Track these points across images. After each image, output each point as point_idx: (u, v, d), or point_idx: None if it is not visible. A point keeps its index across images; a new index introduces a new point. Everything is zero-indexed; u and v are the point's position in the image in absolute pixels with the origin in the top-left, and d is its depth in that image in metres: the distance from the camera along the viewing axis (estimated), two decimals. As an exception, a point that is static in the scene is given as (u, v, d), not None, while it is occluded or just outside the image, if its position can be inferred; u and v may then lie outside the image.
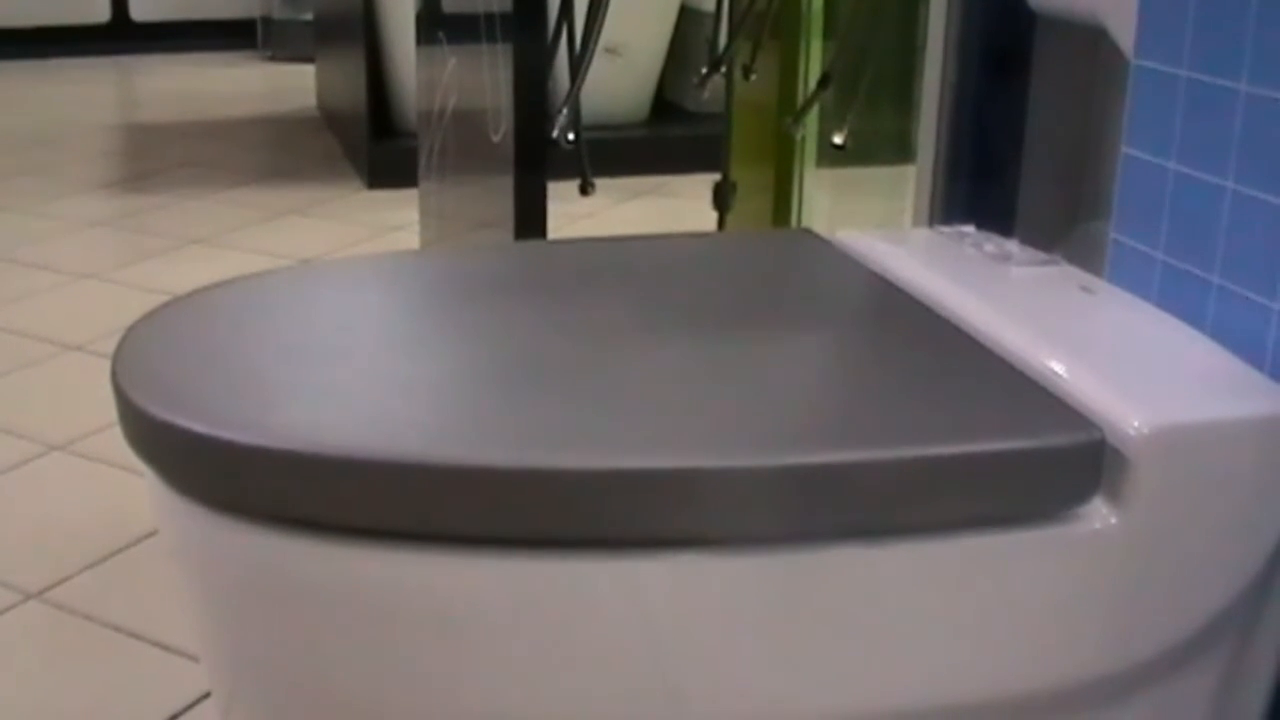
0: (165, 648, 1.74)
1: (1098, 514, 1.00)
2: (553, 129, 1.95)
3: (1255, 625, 1.07)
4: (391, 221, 3.64)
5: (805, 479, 0.95)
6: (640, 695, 0.99)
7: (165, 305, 1.18)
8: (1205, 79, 1.15)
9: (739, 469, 0.95)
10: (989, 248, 1.32)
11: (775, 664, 0.99)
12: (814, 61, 2.33)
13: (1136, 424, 0.99)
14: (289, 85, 5.59)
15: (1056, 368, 1.06)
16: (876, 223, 2.16)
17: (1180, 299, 1.18)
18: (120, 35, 6.16)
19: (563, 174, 2.04)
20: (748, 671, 0.99)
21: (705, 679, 0.99)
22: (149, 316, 1.16)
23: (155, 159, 4.33)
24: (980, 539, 0.99)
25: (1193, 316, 1.17)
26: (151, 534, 1.98)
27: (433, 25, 2.55)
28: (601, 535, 0.94)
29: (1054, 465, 1.00)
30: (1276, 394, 1.05)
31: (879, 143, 2.07)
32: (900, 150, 1.85)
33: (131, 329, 1.13)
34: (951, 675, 1.02)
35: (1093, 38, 1.42)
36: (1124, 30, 1.28)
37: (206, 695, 1.62)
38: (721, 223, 2.53)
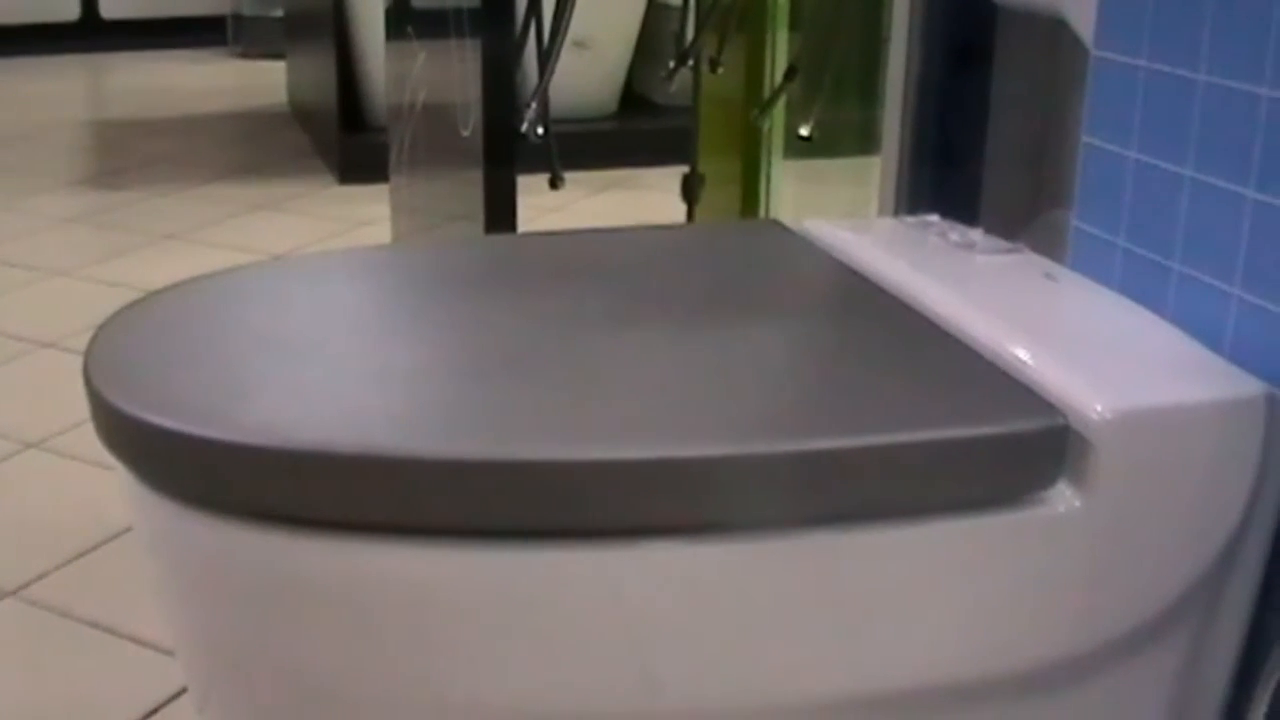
0: (142, 643, 1.74)
1: (1062, 498, 1.01)
2: (522, 123, 1.95)
3: (1218, 604, 1.08)
4: (363, 216, 3.64)
5: (773, 467, 0.96)
6: (616, 683, 0.99)
7: (137, 301, 1.18)
8: (1164, 69, 1.16)
9: (709, 458, 0.95)
10: (953, 236, 1.33)
11: (746, 651, 1.00)
12: (780, 54, 2.33)
13: (1099, 409, 1.00)
14: (259, 81, 5.57)
15: (1020, 354, 1.07)
16: (843, 213, 2.17)
17: (1141, 285, 1.20)
18: (90, 33, 6.14)
19: (532, 167, 2.05)
20: (721, 659, 1.00)
21: (680, 666, 0.99)
22: (121, 313, 1.16)
23: (127, 156, 4.32)
24: (946, 524, 1.00)
25: (1154, 302, 1.18)
26: (126, 530, 1.98)
27: (402, 20, 2.56)
28: (575, 525, 0.95)
29: (1018, 450, 1.00)
30: (1236, 377, 1.07)
31: (845, 134, 2.07)
32: (866, 141, 1.86)
33: (103, 326, 1.13)
34: (919, 659, 1.03)
35: (1054, 29, 1.43)
36: (1084, 21, 1.29)
37: (183, 690, 1.63)
38: (690, 214, 2.54)
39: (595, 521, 0.95)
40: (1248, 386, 1.05)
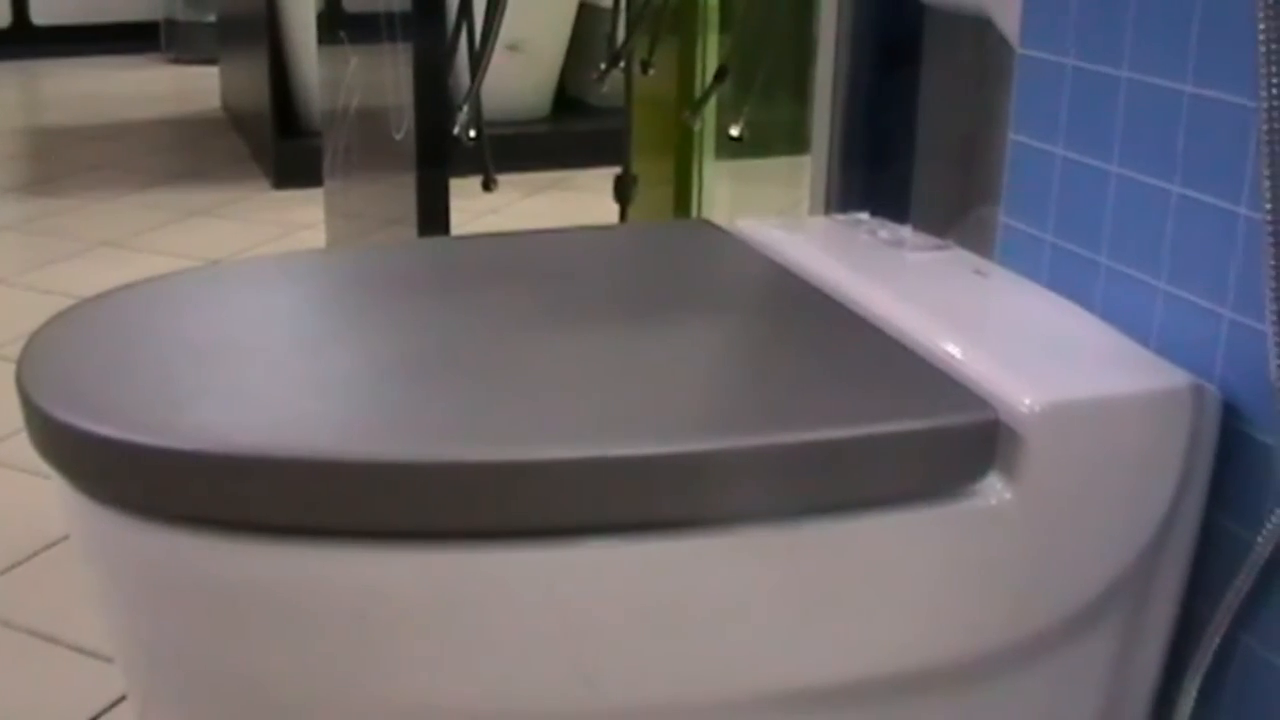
0: (81, 651, 1.73)
1: (993, 490, 1.02)
2: (454, 126, 1.95)
3: (1149, 591, 1.09)
4: (298, 220, 3.63)
5: (707, 465, 0.97)
6: (556, 682, 1.00)
7: (71, 308, 1.17)
8: (1089, 67, 1.17)
9: (644, 457, 0.96)
10: (883, 234, 1.34)
11: (684, 648, 1.00)
12: (711, 55, 2.34)
13: (1028, 402, 1.01)
14: (193, 86, 5.54)
15: (950, 349, 1.08)
16: (775, 212, 2.18)
17: (1069, 280, 1.21)
18: (21, 39, 6.08)
19: (466, 170, 2.05)
20: (660, 656, 1.00)
21: (621, 664, 1.00)
22: (55, 320, 1.15)
23: (61, 162, 4.29)
24: (878, 518, 1.00)
25: (1081, 297, 1.20)
26: (65, 538, 1.97)
27: (334, 25, 2.55)
28: (515, 525, 0.95)
29: (949, 444, 1.01)
30: (1163, 370, 1.08)
31: (776, 134, 2.08)
32: (796, 141, 1.87)
33: (36, 333, 1.12)
34: (855, 652, 1.04)
35: (980, 28, 1.44)
36: (1010, 20, 1.30)
37: (123, 697, 1.62)
38: (623, 215, 2.54)
39: (535, 521, 0.95)
40: (1174, 378, 1.06)
